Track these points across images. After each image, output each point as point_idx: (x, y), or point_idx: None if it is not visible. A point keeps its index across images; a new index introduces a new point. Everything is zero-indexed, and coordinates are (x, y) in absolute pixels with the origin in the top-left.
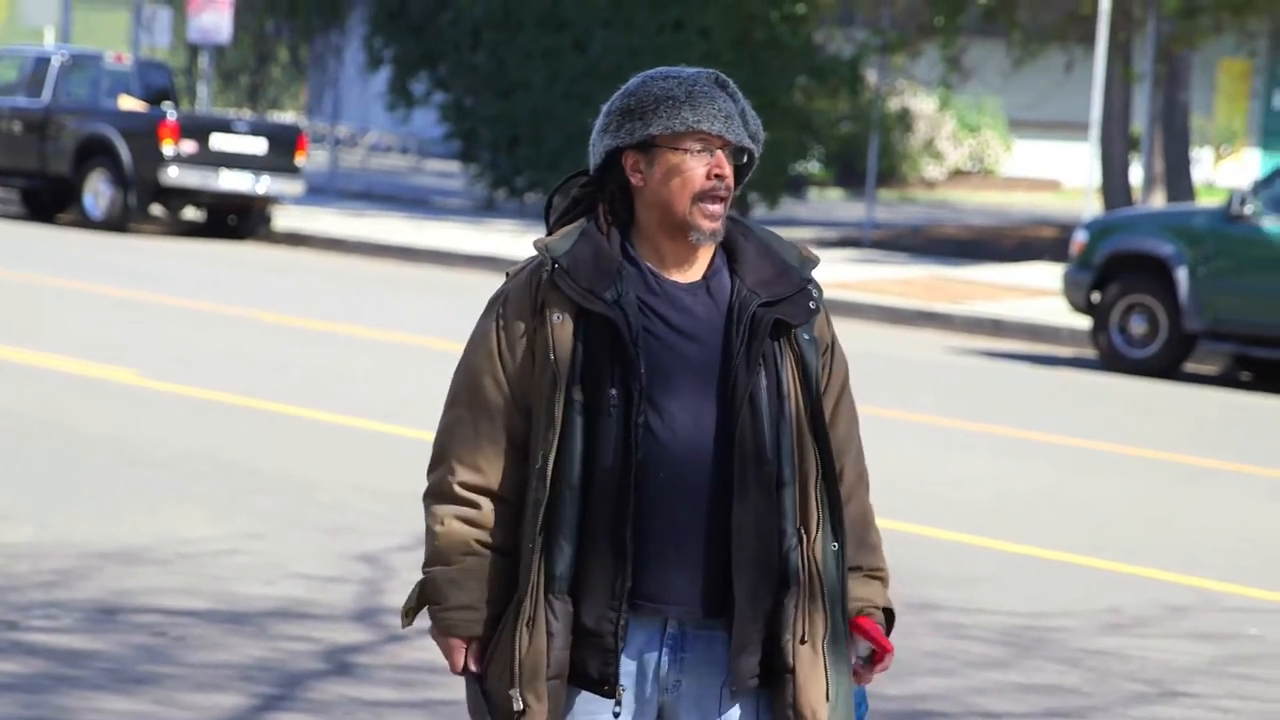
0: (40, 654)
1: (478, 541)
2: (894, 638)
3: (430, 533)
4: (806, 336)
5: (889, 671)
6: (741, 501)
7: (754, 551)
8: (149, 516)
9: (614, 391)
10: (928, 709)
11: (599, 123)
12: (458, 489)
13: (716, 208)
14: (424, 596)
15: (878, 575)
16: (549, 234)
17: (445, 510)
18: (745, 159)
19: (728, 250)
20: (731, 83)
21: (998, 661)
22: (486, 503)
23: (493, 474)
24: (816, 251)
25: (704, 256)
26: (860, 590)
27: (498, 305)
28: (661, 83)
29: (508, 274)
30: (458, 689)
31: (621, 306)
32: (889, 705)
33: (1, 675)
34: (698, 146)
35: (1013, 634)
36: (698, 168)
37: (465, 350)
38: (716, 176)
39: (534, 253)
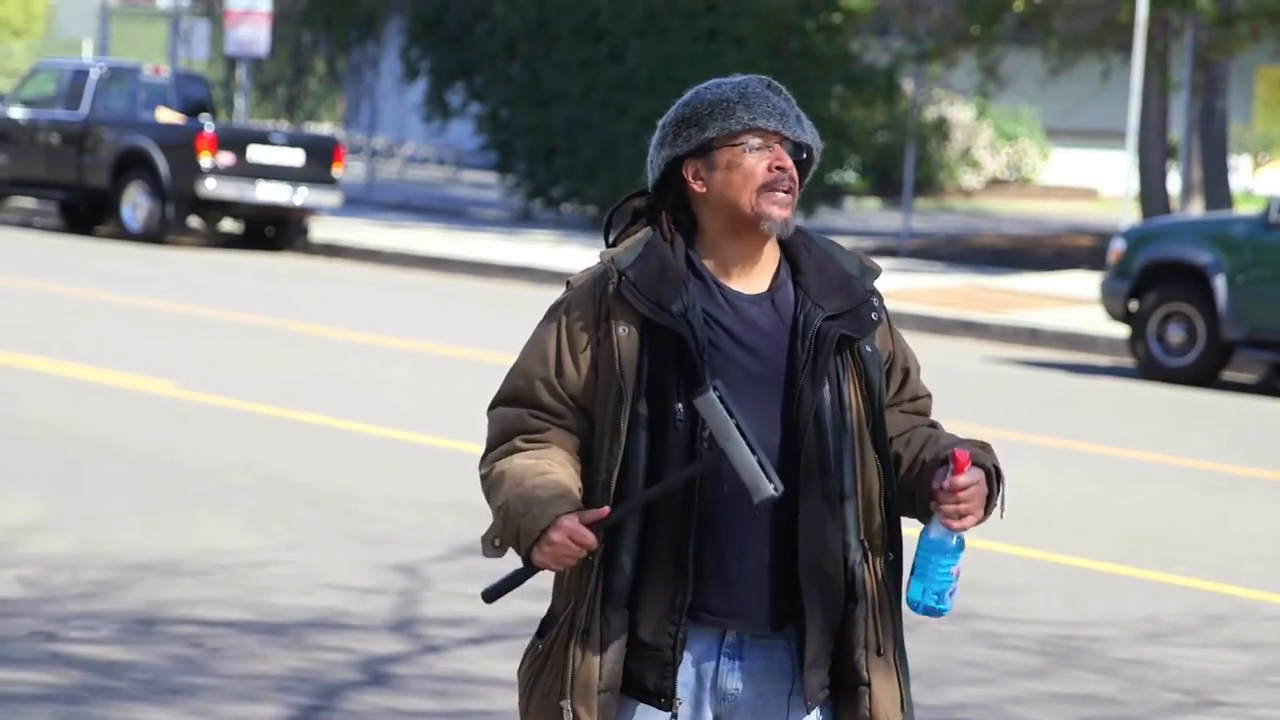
0: (78, 665)
1: (549, 467)
2: (930, 646)
3: (497, 476)
4: (869, 349)
5: (926, 681)
6: (807, 515)
7: (820, 564)
8: (186, 527)
9: (680, 405)
10: (965, 718)
11: (655, 138)
12: (520, 443)
13: (783, 196)
14: (508, 520)
15: (983, 443)
16: (610, 247)
17: (510, 457)
18: (804, 157)
19: (790, 261)
20: (784, 89)
21: (1035, 671)
22: (553, 448)
23: (555, 436)
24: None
25: (769, 266)
26: (967, 443)
27: (560, 313)
28: (714, 90)
29: (569, 283)
30: (494, 700)
31: (688, 319)
32: (927, 715)
33: (40, 686)
34: (756, 143)
35: (1050, 643)
36: (759, 163)
37: (521, 354)
38: (778, 169)
39: (572, 264)
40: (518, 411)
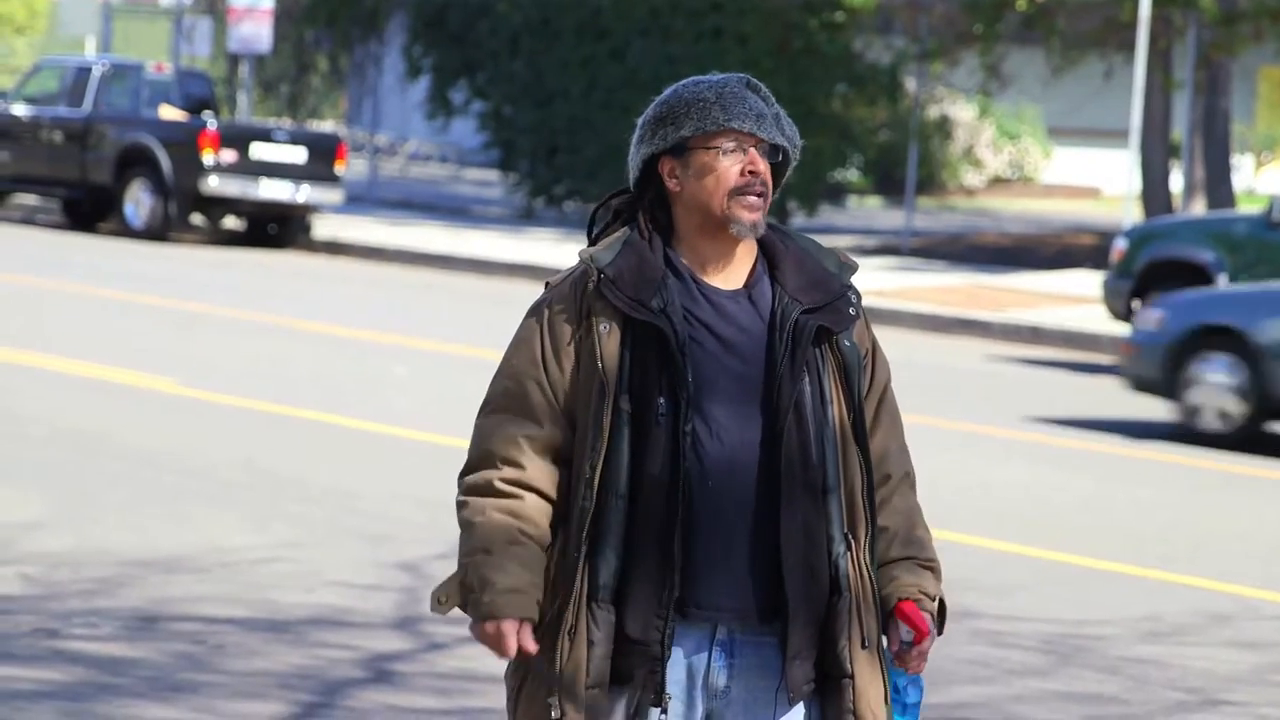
0: (80, 662)
1: (521, 532)
2: (932, 645)
3: (468, 524)
4: (847, 343)
5: (928, 680)
6: (789, 508)
7: (804, 558)
8: (188, 525)
9: (662, 400)
10: (967, 717)
11: (635, 135)
12: (499, 484)
13: (754, 200)
14: (464, 585)
15: (929, 565)
16: (591, 245)
17: (485, 502)
18: (780, 158)
19: (768, 257)
20: (764, 87)
21: (1037, 669)
22: (530, 496)
23: (535, 472)
24: (855, 259)
25: (745, 262)
26: (911, 577)
27: (542, 311)
28: (692, 88)
29: (548, 283)
30: (496, 697)
31: (668, 315)
32: (929, 714)
33: (42, 683)
34: (730, 145)
35: (1052, 642)
36: (731, 166)
37: (506, 355)
38: (750, 173)
39: (574, 262)
40: (504, 432)
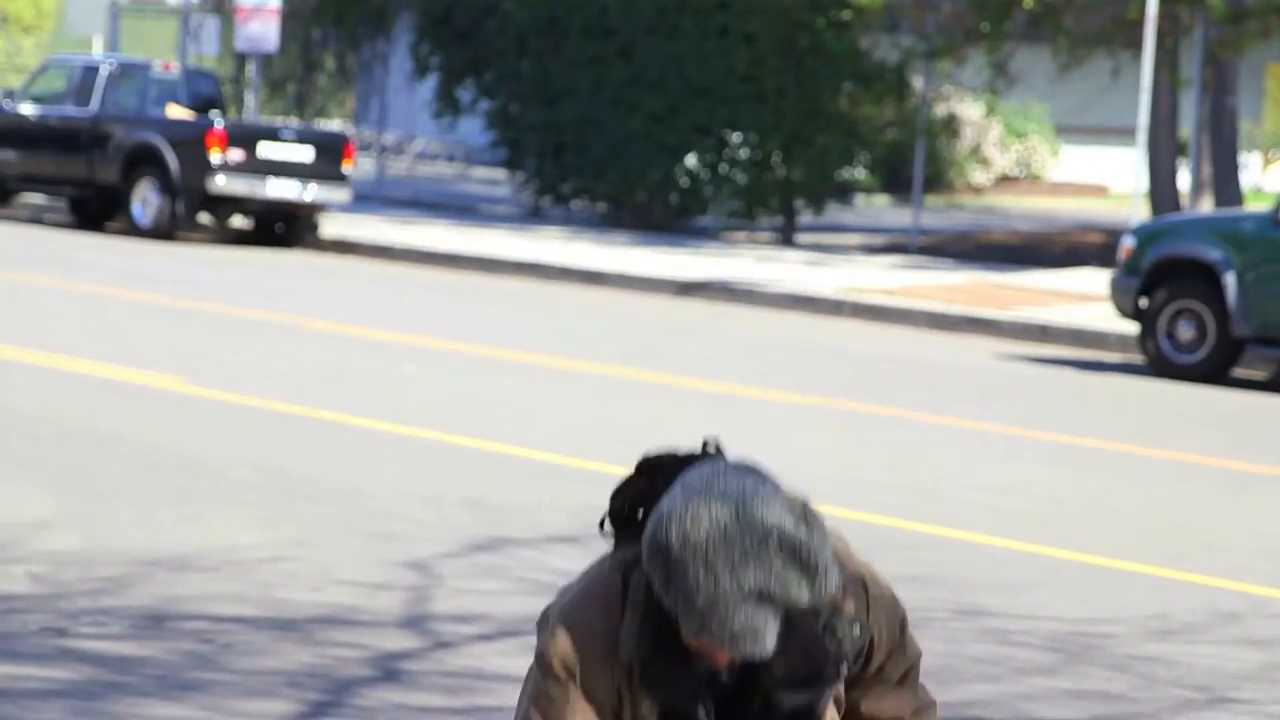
0: (89, 661)
1: None
2: (939, 644)
3: None
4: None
5: (936, 679)
6: None
7: None
8: (196, 524)
9: None
10: (976, 715)
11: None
12: None
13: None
14: None
15: None
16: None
17: None
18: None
19: None
20: (794, 566)
21: (1045, 668)
22: None
23: None
24: (863, 257)
25: None
26: None
27: (569, 666)
28: (696, 567)
29: (564, 609)
30: (505, 696)
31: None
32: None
33: (51, 682)
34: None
35: (1060, 640)
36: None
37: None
38: (716, 667)
39: (598, 259)
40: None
